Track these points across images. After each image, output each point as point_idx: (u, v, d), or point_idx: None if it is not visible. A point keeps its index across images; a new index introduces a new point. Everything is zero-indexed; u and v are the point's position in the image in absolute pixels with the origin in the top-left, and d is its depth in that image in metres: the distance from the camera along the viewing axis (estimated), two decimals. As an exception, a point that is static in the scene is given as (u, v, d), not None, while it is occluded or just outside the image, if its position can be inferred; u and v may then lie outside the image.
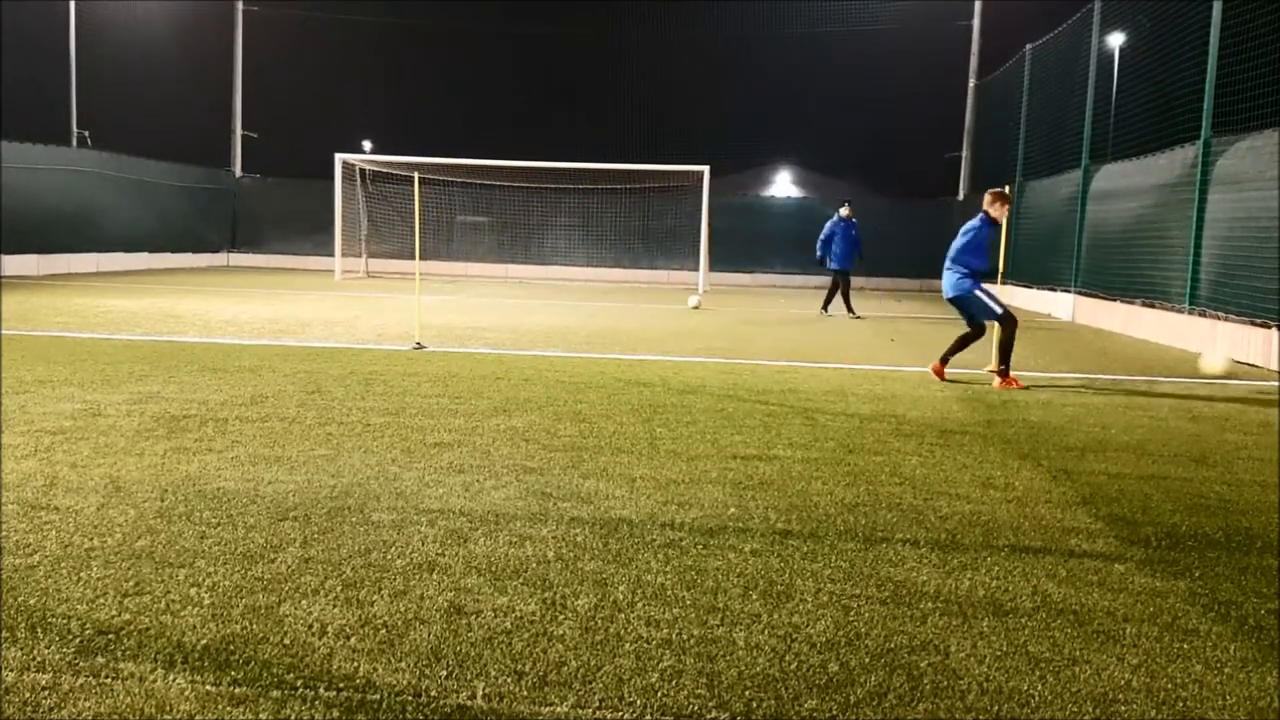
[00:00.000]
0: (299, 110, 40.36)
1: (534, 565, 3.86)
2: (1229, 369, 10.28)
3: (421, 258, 15.38)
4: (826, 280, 30.17)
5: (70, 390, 7.36)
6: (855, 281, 30.04)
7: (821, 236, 18.14)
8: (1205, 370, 10.33)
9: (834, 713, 2.78)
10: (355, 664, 2.96)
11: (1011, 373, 9.30)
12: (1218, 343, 9.48)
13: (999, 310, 9.49)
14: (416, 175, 12.67)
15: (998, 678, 3.02)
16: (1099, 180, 18.29)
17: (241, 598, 3.43)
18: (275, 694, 2.76)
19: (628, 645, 3.16)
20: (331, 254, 26.54)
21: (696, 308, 18.99)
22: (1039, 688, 2.96)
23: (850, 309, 17.97)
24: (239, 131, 32.64)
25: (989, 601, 3.64)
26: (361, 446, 5.79)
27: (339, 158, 26.05)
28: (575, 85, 42.69)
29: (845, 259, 17.90)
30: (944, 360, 9.58)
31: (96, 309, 14.29)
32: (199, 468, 5.18)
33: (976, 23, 29.97)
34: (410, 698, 2.77)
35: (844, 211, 17.98)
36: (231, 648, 3.04)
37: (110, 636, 3.09)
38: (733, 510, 4.71)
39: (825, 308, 18.42)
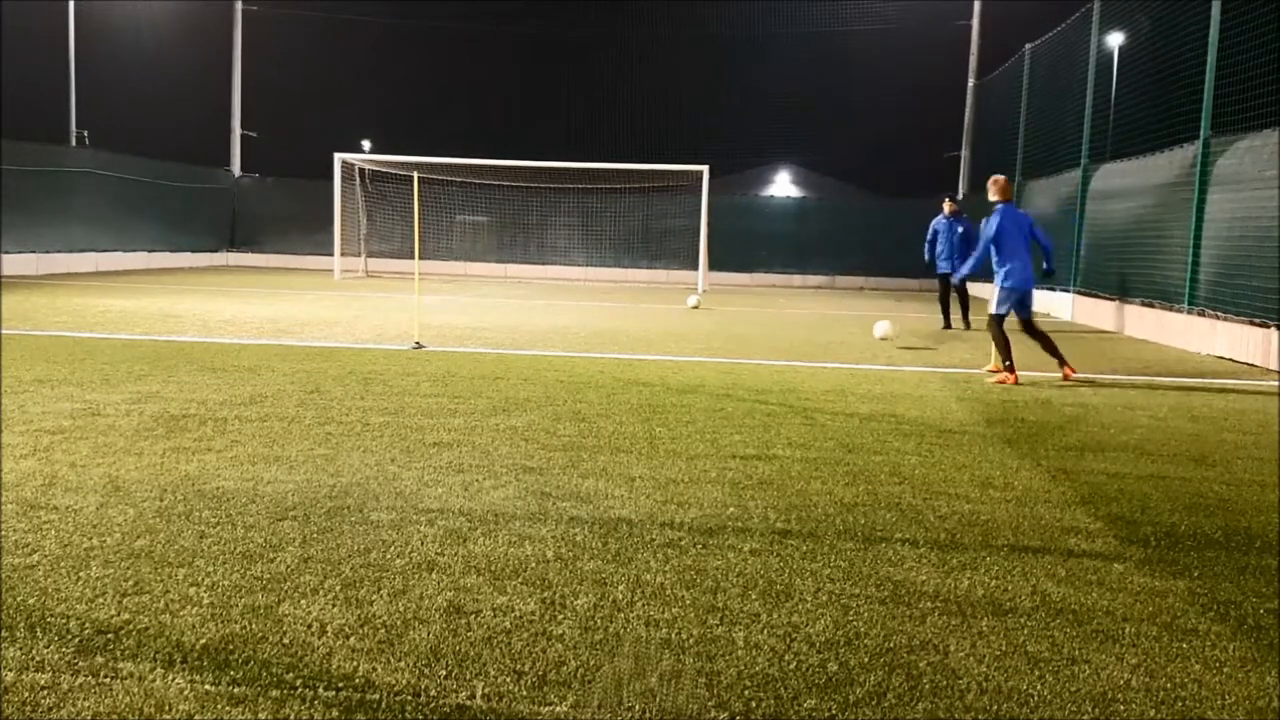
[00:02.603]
0: (298, 110, 40.38)
1: (533, 565, 3.86)
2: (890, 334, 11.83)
3: (421, 257, 15.35)
4: (823, 280, 30.59)
5: (69, 390, 7.35)
6: (855, 281, 30.31)
7: (927, 238, 16.15)
8: (881, 337, 11.94)
9: (833, 712, 2.78)
10: (354, 663, 2.96)
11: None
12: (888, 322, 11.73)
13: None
14: (416, 175, 12.68)
15: (997, 677, 3.02)
16: (1098, 180, 18.29)
17: (241, 597, 3.43)
18: (274, 693, 2.76)
19: (627, 645, 3.16)
20: (331, 254, 26.53)
21: (696, 307, 18.89)
22: (1038, 687, 2.96)
23: (965, 320, 15.86)
24: (238, 131, 32.62)
25: (988, 601, 3.64)
26: (361, 446, 5.78)
27: (338, 157, 26.04)
28: (574, 85, 42.69)
29: (950, 260, 15.69)
30: (1061, 360, 9.83)
31: (95, 308, 14.29)
32: (198, 467, 5.18)
33: (975, 22, 29.97)
34: (410, 697, 2.77)
35: (947, 208, 15.91)
36: (231, 647, 3.04)
37: (109, 636, 3.09)
38: (732, 510, 4.71)
39: (963, 321, 15.94)
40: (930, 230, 16.22)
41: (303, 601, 3.41)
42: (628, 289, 26.23)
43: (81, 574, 3.60)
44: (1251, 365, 11.49)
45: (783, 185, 50.26)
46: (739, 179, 41.02)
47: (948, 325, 15.77)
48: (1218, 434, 7.09)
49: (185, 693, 2.75)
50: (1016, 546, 4.30)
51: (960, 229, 15.80)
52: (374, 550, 3.96)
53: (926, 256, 16.29)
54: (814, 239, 30.56)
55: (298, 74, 39.19)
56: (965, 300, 16.02)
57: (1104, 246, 17.74)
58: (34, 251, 22.68)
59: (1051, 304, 20.40)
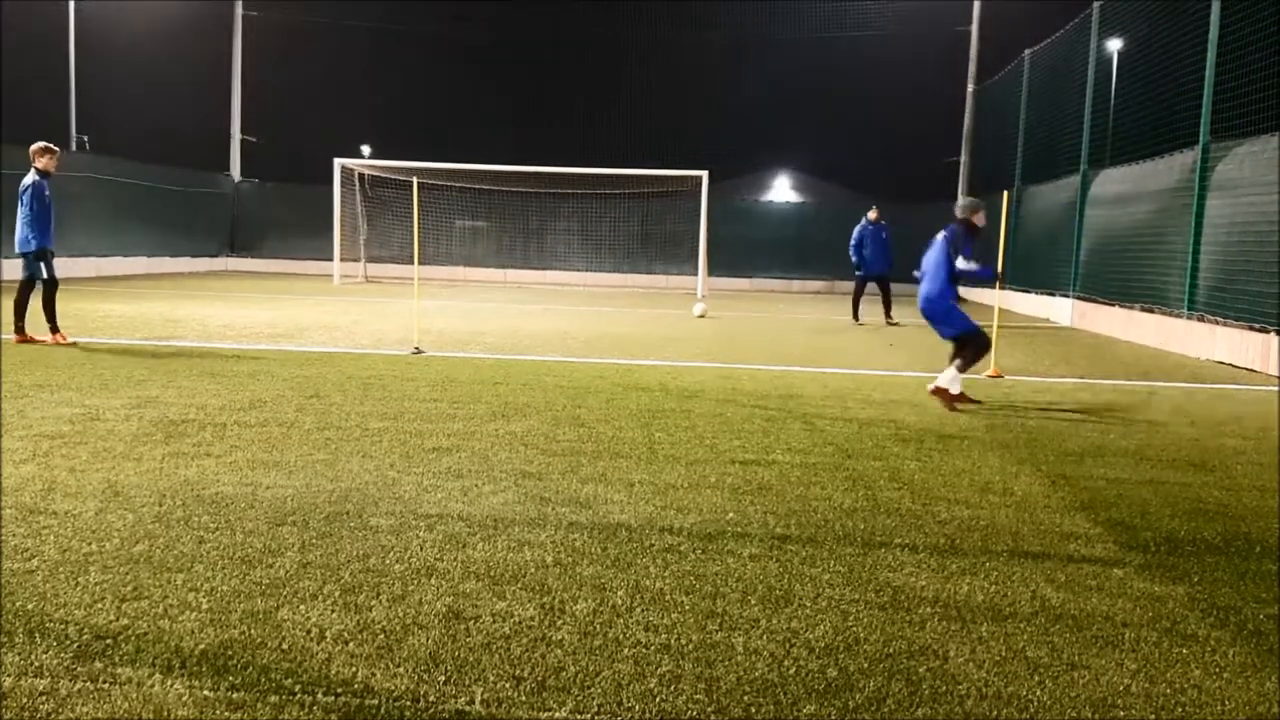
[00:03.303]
0: (298, 115, 40.40)
1: (532, 570, 3.85)
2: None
3: (420, 262, 15.27)
4: (823, 285, 30.57)
5: (69, 395, 7.35)
6: (851, 285, 30.22)
7: (852, 242, 17.74)
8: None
9: (833, 718, 2.78)
10: (353, 669, 2.96)
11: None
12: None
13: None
14: (415, 180, 12.67)
15: (996, 683, 3.01)
16: (1098, 185, 18.31)
17: (240, 602, 3.43)
18: (273, 699, 2.76)
19: (626, 650, 3.16)
20: (330, 258, 26.54)
21: (702, 316, 17.85)
22: (1037, 693, 2.96)
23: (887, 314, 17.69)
24: (238, 136, 32.65)
25: (988, 606, 3.63)
26: (360, 451, 5.78)
27: (338, 162, 26.06)
28: (574, 90, 42.75)
29: (877, 262, 17.52)
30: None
31: (95, 313, 14.29)
32: (197, 472, 5.18)
33: (974, 28, 30.01)
34: (409, 703, 2.76)
35: (871, 215, 17.59)
36: (229, 653, 3.03)
37: (108, 641, 3.09)
38: (731, 515, 4.71)
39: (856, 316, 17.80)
40: (855, 234, 17.74)
41: (302, 607, 3.41)
42: (628, 294, 26.24)
43: (80, 579, 3.60)
44: (1251, 370, 11.49)
45: (782, 190, 50.30)
46: (739, 183, 41.05)
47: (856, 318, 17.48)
48: (1217, 439, 7.09)
49: (184, 698, 2.75)
50: (1016, 552, 4.29)
51: (884, 235, 17.60)
52: (373, 556, 3.96)
53: (854, 258, 17.79)
54: (814, 244, 30.57)
55: (298, 79, 39.23)
56: (886, 295, 17.71)
57: (1104, 252, 17.76)
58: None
59: (1051, 309, 20.41)
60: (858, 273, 17.69)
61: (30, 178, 10.87)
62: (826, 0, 32.80)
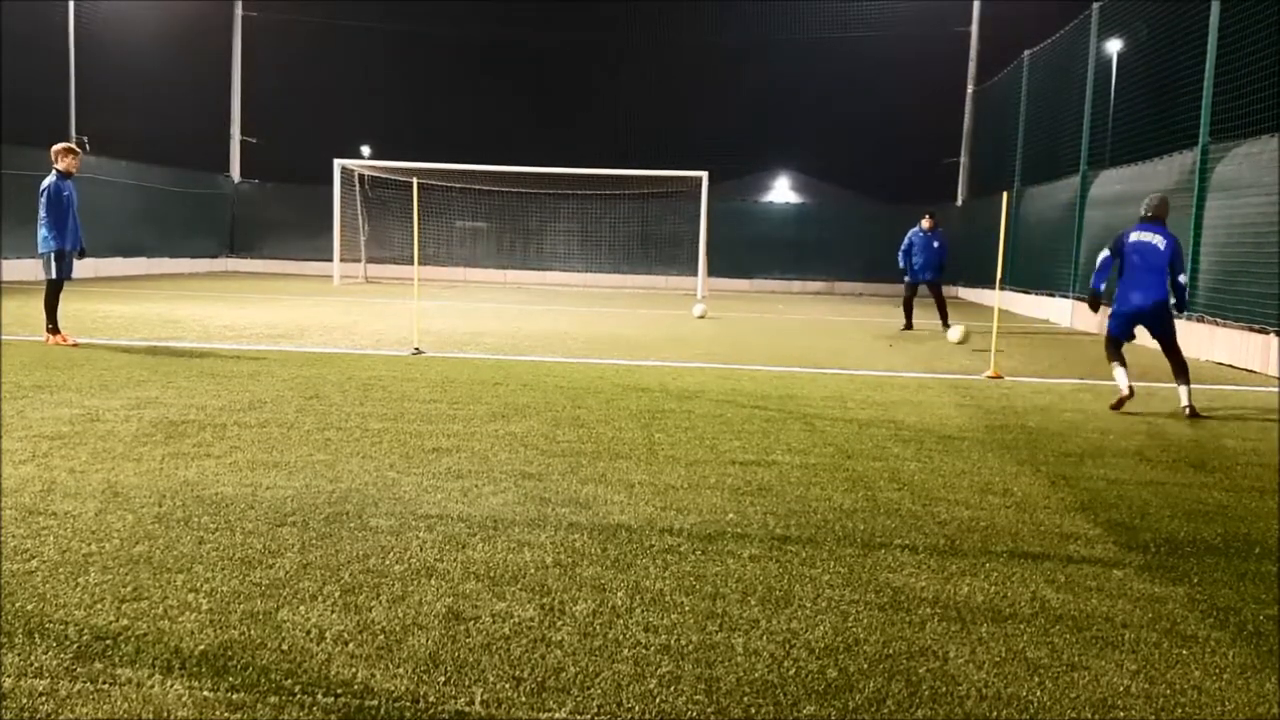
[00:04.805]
0: (298, 115, 40.34)
1: (532, 571, 3.85)
2: (964, 336, 13.59)
3: (420, 263, 15.31)
4: (822, 286, 30.65)
5: (68, 395, 7.35)
6: (854, 287, 30.37)
7: (901, 248, 17.10)
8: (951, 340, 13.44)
9: (833, 719, 2.78)
10: (353, 670, 2.96)
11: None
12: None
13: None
14: (415, 181, 12.68)
15: (996, 684, 3.01)
16: (1098, 186, 18.31)
17: (239, 603, 3.43)
18: (273, 700, 2.76)
19: (626, 651, 3.16)
20: (330, 259, 26.54)
21: (702, 317, 17.88)
22: (1037, 694, 2.96)
23: (944, 321, 16.78)
24: (237, 136, 32.65)
25: (987, 607, 3.63)
26: (360, 452, 5.78)
27: (338, 163, 26.06)
28: (574, 91, 42.76)
29: (926, 270, 16.93)
30: None
31: (95, 314, 14.30)
32: (197, 473, 5.18)
33: (974, 28, 30.04)
34: (408, 704, 2.76)
35: (925, 223, 16.88)
36: (229, 653, 3.03)
37: (108, 642, 3.09)
38: (731, 516, 4.71)
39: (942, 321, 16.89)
40: (905, 241, 17.04)
41: (301, 607, 3.41)
42: (627, 294, 26.24)
43: (80, 580, 3.60)
44: (1250, 371, 11.49)
45: (782, 191, 50.29)
46: (738, 184, 41.06)
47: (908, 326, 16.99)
48: (1217, 440, 7.10)
49: (184, 699, 2.75)
50: (1016, 552, 4.29)
51: (935, 243, 16.84)
52: (373, 556, 3.96)
53: (900, 264, 17.14)
54: (813, 245, 30.63)
55: (298, 79, 39.17)
56: (939, 301, 17.29)
57: (1103, 252, 17.73)
58: (34, 257, 22.67)
59: (1050, 310, 20.41)
60: (906, 279, 17.13)
61: (48, 179, 11.00)
62: (827, 1, 32.82)
